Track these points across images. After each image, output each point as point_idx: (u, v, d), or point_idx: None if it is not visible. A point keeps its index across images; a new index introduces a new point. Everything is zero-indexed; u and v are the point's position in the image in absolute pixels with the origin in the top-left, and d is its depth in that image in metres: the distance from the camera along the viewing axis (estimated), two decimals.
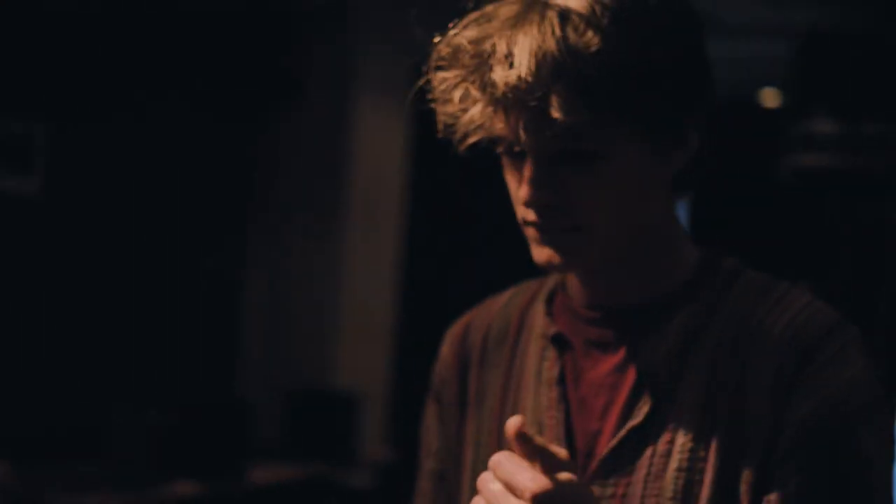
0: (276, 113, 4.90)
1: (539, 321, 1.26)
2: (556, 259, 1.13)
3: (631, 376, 1.16)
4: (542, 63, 1.03)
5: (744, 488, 1.08)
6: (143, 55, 4.44)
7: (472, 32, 1.09)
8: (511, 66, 1.04)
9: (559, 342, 1.23)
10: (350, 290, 4.91)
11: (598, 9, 1.06)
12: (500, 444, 1.24)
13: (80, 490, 3.79)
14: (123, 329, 4.45)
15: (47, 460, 3.99)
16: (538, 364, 1.24)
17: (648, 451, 1.13)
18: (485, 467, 1.22)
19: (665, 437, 1.13)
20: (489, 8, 1.11)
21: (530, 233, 1.14)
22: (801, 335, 1.11)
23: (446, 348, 1.36)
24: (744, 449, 1.09)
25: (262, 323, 5.01)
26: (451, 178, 4.91)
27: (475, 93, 1.08)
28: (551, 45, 1.04)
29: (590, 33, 1.05)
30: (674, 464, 1.12)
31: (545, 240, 1.13)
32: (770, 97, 6.67)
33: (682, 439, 1.12)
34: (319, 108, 4.81)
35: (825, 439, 1.08)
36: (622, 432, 1.14)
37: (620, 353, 1.17)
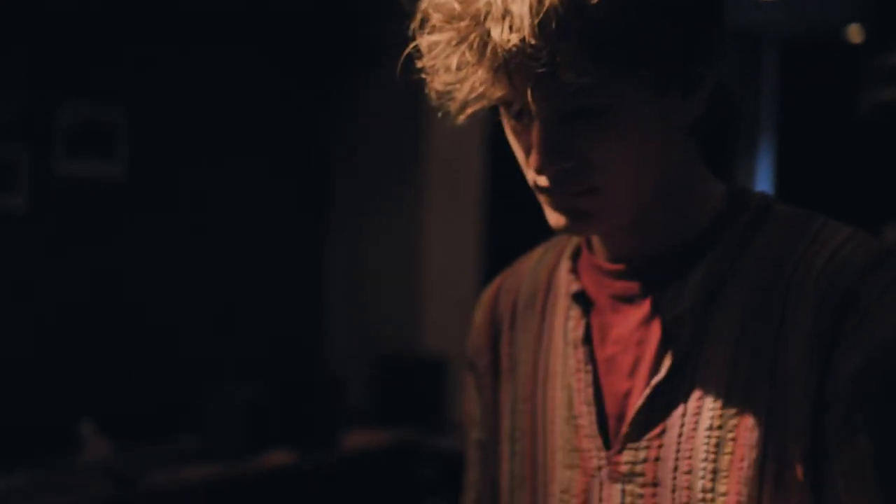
0: (355, 80, 4.90)
1: (564, 279, 1.21)
2: (574, 224, 1.07)
3: (657, 330, 1.09)
4: (546, 20, 0.93)
5: (795, 451, 0.99)
6: (221, 29, 4.47)
7: None
8: (511, 27, 0.93)
9: (583, 300, 1.17)
10: (433, 254, 4.91)
11: None
12: (534, 411, 1.20)
13: (177, 464, 3.86)
14: (213, 307, 4.52)
15: (146, 437, 4.09)
16: (564, 324, 1.19)
17: (679, 410, 1.06)
18: (521, 435, 1.21)
19: (695, 394, 1.05)
20: None
21: (543, 198, 1.07)
22: (841, 275, 1.00)
23: (478, 315, 1.31)
24: (785, 408, 1.00)
25: (346, 292, 5.04)
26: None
27: (471, 58, 0.97)
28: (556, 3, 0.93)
29: None
30: (704, 422, 1.04)
31: (560, 204, 1.06)
32: (856, 33, 6.52)
33: (712, 395, 1.04)
34: (398, 77, 4.79)
35: (885, 391, 0.97)
36: (647, 390, 1.08)
37: (646, 306, 1.10)
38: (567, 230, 1.08)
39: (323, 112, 4.96)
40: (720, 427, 1.03)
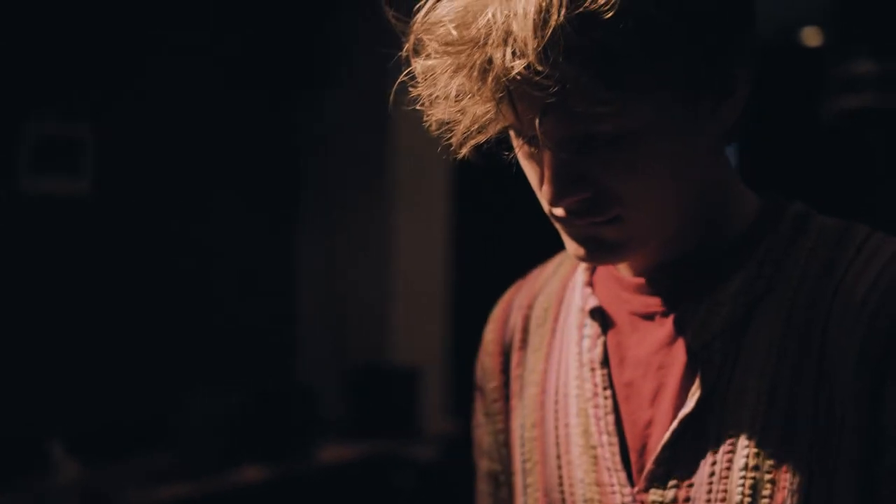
0: (320, 91, 4.91)
1: (579, 293, 1.10)
2: (596, 254, 0.96)
3: (682, 353, 0.98)
4: (552, 42, 0.82)
5: (844, 498, 0.89)
6: (186, 43, 4.46)
7: (458, 3, 0.88)
8: (514, 52, 0.84)
9: (600, 317, 1.06)
10: (402, 264, 4.92)
11: None
12: (545, 438, 1.09)
13: (151, 481, 3.84)
14: (183, 320, 4.50)
15: (117, 455, 4.06)
16: (579, 343, 1.08)
17: (710, 446, 0.95)
18: (532, 467, 1.09)
19: (728, 430, 0.94)
20: None
21: (559, 226, 0.98)
22: (890, 301, 0.89)
23: (488, 333, 1.20)
24: (831, 449, 0.89)
25: (318, 304, 5.04)
26: (500, 146, 4.88)
27: (471, 87, 0.88)
28: (558, 16, 0.83)
29: None
30: (739, 461, 0.93)
31: (579, 234, 0.96)
32: (812, 36, 6.57)
33: (746, 431, 0.93)
34: (364, 84, 4.79)
35: None
36: (675, 424, 0.97)
37: (669, 326, 0.99)
38: (589, 260, 0.98)
39: (291, 124, 4.96)
40: (756, 468, 0.92)
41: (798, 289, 0.94)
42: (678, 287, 1.00)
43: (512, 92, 0.86)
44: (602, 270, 1.07)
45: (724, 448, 0.94)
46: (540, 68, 0.83)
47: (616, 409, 1.02)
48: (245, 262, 4.79)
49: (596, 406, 1.04)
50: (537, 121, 0.87)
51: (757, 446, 0.92)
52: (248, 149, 4.81)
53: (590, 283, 1.08)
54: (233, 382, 4.52)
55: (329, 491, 4.29)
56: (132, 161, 4.33)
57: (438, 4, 0.90)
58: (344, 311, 4.99)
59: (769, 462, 0.92)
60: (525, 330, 1.15)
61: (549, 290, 1.14)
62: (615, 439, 1.02)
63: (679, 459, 0.97)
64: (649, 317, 1.01)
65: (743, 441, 0.93)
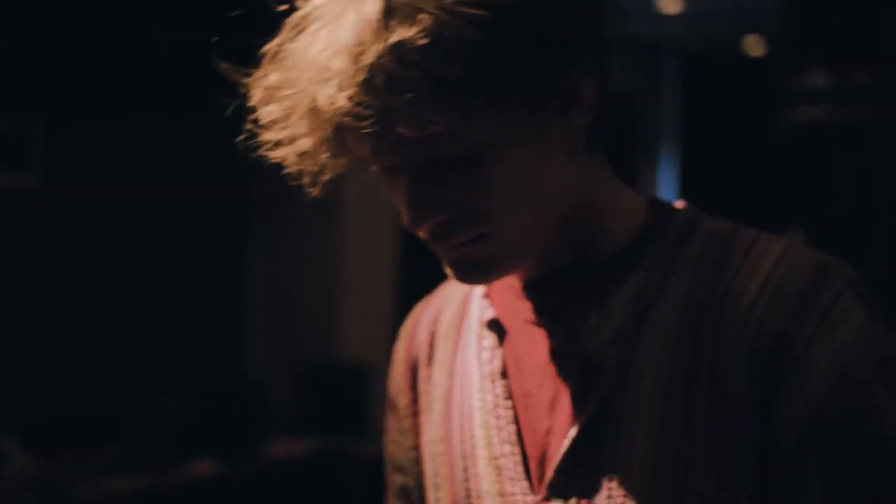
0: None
1: (477, 304, 1.08)
2: (469, 275, 0.97)
3: (576, 361, 0.97)
4: (372, 74, 0.83)
5: (739, 496, 0.90)
6: (138, 50, 4.42)
7: (284, 49, 0.90)
8: (336, 87, 0.84)
9: (497, 327, 1.04)
10: (351, 261, 4.93)
11: None
12: (451, 452, 1.07)
13: (102, 475, 3.83)
14: (134, 319, 4.48)
15: (69, 448, 4.03)
16: (479, 355, 1.06)
17: (608, 453, 0.95)
18: (442, 481, 1.08)
19: (625, 436, 0.94)
20: (304, 9, 0.90)
21: (433, 249, 0.96)
22: (778, 302, 0.90)
23: (398, 349, 1.19)
24: (725, 455, 0.90)
25: (268, 302, 5.03)
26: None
27: (303, 129, 0.89)
28: (375, 48, 0.84)
29: (423, 18, 0.84)
30: (637, 466, 0.93)
31: (448, 256, 0.96)
32: (755, 46, 6.69)
33: (641, 436, 0.93)
34: None
35: (835, 429, 0.88)
36: (572, 432, 0.96)
37: (562, 334, 0.99)
38: (463, 281, 0.98)
39: (243, 122, 4.93)
40: (657, 471, 0.92)
41: (689, 293, 0.94)
42: (569, 295, 0.99)
43: (343, 127, 0.86)
44: (499, 281, 1.04)
45: (622, 454, 0.94)
46: (363, 100, 0.83)
47: (517, 419, 1.01)
48: (196, 261, 4.76)
49: (497, 417, 1.02)
50: (373, 152, 0.88)
51: (654, 452, 0.92)
52: (199, 147, 4.77)
53: (487, 295, 1.07)
54: (185, 380, 4.51)
55: (278, 487, 4.31)
56: (83, 158, 4.29)
57: (270, 55, 0.91)
58: (294, 309, 4.99)
59: (668, 466, 0.92)
60: (431, 346, 1.13)
61: (453, 304, 1.13)
62: (517, 448, 1.01)
63: (578, 468, 0.96)
64: (542, 325, 1.01)
65: (640, 447, 0.93)
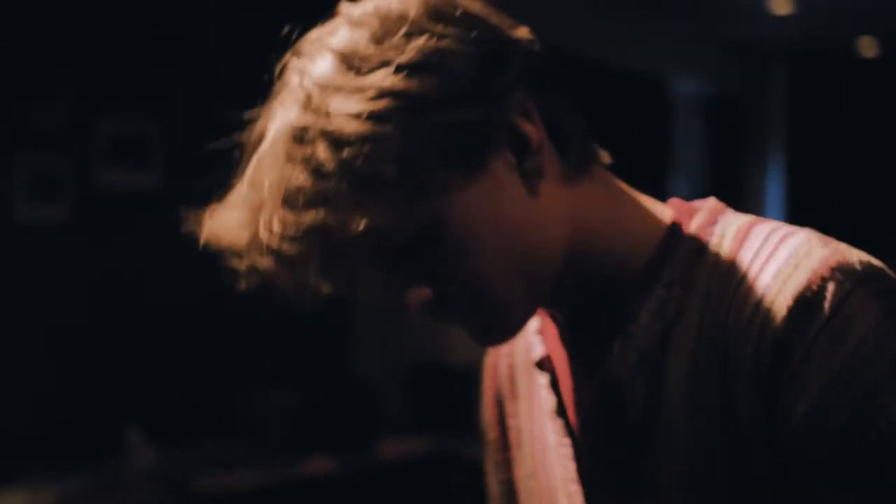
0: None
1: (532, 340, 1.06)
2: (485, 339, 0.95)
3: (608, 390, 0.95)
4: (289, 200, 0.84)
5: None
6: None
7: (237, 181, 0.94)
8: (265, 222, 0.86)
9: (548, 366, 1.02)
10: None
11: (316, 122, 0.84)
12: (541, 490, 1.06)
13: (221, 469, 3.92)
14: (250, 319, 4.56)
15: (192, 443, 4.14)
16: (539, 391, 1.05)
17: (647, 480, 0.93)
18: None
19: (664, 462, 0.92)
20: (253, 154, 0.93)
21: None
22: (779, 308, 0.84)
23: (484, 383, 1.16)
24: (745, 471, 0.87)
25: (375, 305, 5.09)
26: None
27: (261, 260, 0.90)
28: (298, 181, 0.84)
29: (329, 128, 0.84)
30: (677, 490, 0.91)
31: (464, 328, 0.93)
32: (869, 47, 6.55)
33: (673, 458, 0.91)
34: None
35: (840, 438, 0.82)
36: (606, 458, 0.96)
37: (596, 364, 0.96)
38: (488, 345, 0.97)
39: None
40: (693, 489, 0.91)
41: (704, 308, 0.90)
42: (591, 326, 0.96)
43: (285, 255, 0.86)
44: (550, 316, 1.01)
45: (663, 477, 0.92)
46: (287, 223, 0.84)
47: (577, 456, 0.99)
48: None
49: (559, 455, 1.01)
50: (324, 268, 0.86)
51: (690, 470, 0.90)
52: None
53: (541, 331, 1.03)
54: (298, 379, 4.60)
55: (389, 485, 4.36)
56: (197, 156, 4.39)
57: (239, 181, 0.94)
58: (401, 311, 5.03)
59: (698, 488, 0.90)
60: (512, 380, 1.11)
61: (525, 335, 1.07)
62: (578, 487, 0.99)
63: (617, 495, 0.96)
64: (578, 357, 0.98)
65: (677, 466, 0.91)
